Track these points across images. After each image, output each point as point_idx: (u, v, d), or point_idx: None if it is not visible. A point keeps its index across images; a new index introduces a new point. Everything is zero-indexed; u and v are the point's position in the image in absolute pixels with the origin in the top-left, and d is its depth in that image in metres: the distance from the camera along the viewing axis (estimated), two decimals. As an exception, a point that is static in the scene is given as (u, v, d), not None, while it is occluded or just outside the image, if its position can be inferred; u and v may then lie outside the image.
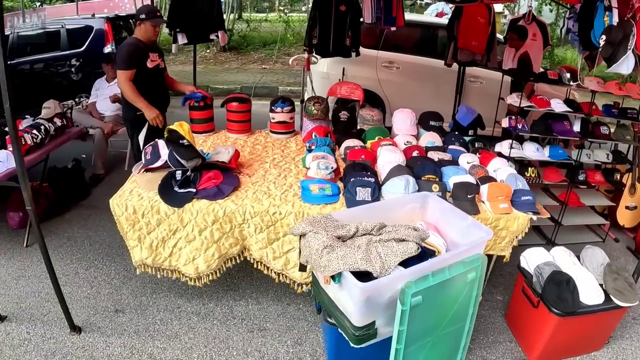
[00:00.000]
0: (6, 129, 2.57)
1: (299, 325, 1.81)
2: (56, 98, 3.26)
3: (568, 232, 2.41)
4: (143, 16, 2.25)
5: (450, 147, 2.15)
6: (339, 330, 1.38)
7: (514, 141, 2.18)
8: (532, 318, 1.64)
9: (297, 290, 1.81)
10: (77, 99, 3.40)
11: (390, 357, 1.33)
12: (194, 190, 1.71)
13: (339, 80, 3.26)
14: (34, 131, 2.48)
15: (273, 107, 2.27)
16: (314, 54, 3.06)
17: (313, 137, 2.21)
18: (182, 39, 3.07)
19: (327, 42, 2.95)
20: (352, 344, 1.33)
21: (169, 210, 1.67)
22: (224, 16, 6.81)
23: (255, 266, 1.78)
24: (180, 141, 1.76)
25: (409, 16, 3.86)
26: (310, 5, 3.19)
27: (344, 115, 2.29)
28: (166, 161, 1.74)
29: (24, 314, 1.91)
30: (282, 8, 11.39)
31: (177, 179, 1.71)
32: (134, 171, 1.82)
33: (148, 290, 2.03)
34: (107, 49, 4.22)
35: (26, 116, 2.80)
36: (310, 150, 2.00)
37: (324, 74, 3.55)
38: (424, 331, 1.35)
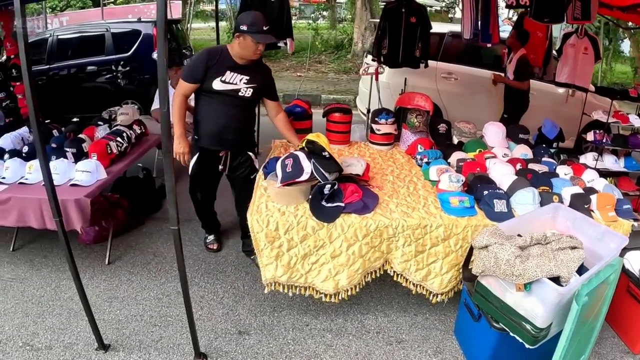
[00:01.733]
0: (81, 135, 2.49)
1: (433, 335, 1.97)
2: (100, 104, 3.21)
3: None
4: (244, 27, 1.88)
5: (543, 159, 2.59)
6: (511, 333, 1.69)
7: (594, 153, 2.69)
8: (638, 315, 1.93)
9: (432, 301, 2.02)
10: (124, 106, 3.32)
11: (556, 353, 1.66)
12: (342, 204, 1.85)
13: (402, 90, 3.53)
14: (118, 139, 2.44)
15: (377, 119, 2.42)
16: (381, 63, 3.32)
17: (419, 149, 2.50)
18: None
19: (397, 52, 3.18)
20: (527, 345, 1.60)
21: (317, 226, 1.75)
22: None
23: (395, 278, 1.92)
24: (322, 153, 1.88)
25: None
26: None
27: (442, 127, 2.56)
28: (311, 174, 1.91)
29: (130, 341, 1.90)
30: (312, 16, 12.45)
31: (325, 193, 1.89)
32: (266, 184, 1.89)
33: (267, 309, 2.08)
34: (156, 54, 4.18)
35: (99, 122, 2.72)
36: (428, 163, 2.23)
37: (385, 84, 3.77)
38: (579, 328, 1.71)
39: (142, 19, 4.79)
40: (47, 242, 2.75)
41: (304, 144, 1.91)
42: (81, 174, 2.20)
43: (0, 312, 2.20)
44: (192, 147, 2.18)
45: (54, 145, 2.61)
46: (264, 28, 1.94)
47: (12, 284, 2.42)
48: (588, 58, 3.29)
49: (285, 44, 3.23)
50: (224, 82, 2.00)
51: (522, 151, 2.49)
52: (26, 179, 2.34)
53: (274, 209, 1.81)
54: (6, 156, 2.58)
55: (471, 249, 1.72)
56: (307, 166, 1.82)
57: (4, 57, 3.74)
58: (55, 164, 2.29)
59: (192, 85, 2.02)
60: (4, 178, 2.40)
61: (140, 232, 2.70)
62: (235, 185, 2.36)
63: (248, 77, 2.05)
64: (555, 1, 2.48)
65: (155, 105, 3.31)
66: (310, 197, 1.78)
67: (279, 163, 1.89)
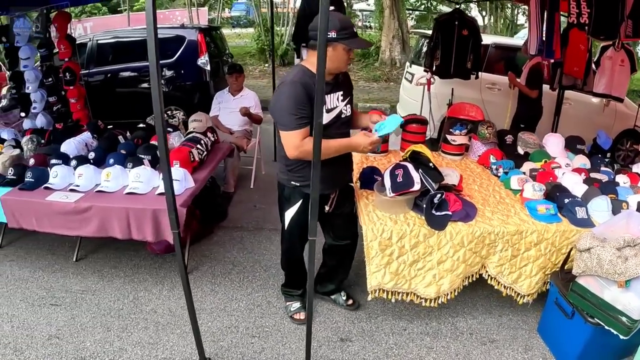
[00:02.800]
0: (154, 142, 2.59)
1: (520, 334, 2.28)
2: (142, 110, 3.35)
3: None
4: (333, 34, 1.61)
5: (602, 168, 3.00)
6: (606, 327, 2.05)
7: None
8: None
9: (519, 302, 2.37)
10: (168, 112, 3.45)
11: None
12: (449, 213, 2.15)
13: (449, 100, 3.88)
14: (198, 146, 2.61)
15: (451, 130, 2.75)
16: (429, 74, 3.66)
17: (492, 159, 2.85)
18: (306, 55, 3.42)
19: (449, 64, 3.56)
20: (621, 336, 2.00)
21: (429, 233, 2.04)
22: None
23: (488, 281, 2.27)
24: (429, 164, 2.22)
25: (509, 40, 4.74)
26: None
27: (509, 138, 2.93)
28: (421, 184, 2.19)
29: (231, 353, 2.08)
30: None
31: (435, 202, 2.18)
32: (378, 193, 2.12)
33: (363, 316, 2.34)
34: (201, 60, 4.37)
35: (169, 129, 2.86)
36: (506, 173, 2.59)
37: (433, 94, 4.09)
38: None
39: (185, 25, 4.99)
40: (112, 252, 2.88)
41: (407, 155, 2.20)
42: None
43: (77, 326, 2.31)
44: (290, 197, 2.00)
45: (122, 151, 2.75)
46: (355, 32, 1.75)
47: (84, 296, 2.54)
48: (624, 70, 3.78)
49: None
50: (328, 110, 1.81)
51: (582, 161, 2.90)
52: (104, 186, 2.47)
53: (384, 218, 2.09)
54: (73, 162, 2.70)
55: (568, 252, 2.08)
56: (416, 176, 2.10)
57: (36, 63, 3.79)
58: (138, 172, 2.44)
59: (304, 130, 1.74)
60: (77, 186, 2.52)
61: (211, 241, 2.88)
62: (335, 224, 2.16)
63: (342, 92, 1.89)
64: (611, 20, 2.91)
65: (214, 112, 3.49)
66: (424, 206, 2.07)
67: (387, 173, 2.16)
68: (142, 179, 2.39)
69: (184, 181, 2.39)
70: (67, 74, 3.57)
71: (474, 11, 11.52)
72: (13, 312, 2.46)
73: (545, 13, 3.13)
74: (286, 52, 9.86)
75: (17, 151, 2.87)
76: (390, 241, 2.05)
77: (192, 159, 2.54)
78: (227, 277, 2.61)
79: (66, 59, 3.60)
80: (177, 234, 1.70)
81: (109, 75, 4.93)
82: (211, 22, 9.51)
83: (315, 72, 1.45)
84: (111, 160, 2.66)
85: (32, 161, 2.79)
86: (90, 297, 2.54)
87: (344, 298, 2.40)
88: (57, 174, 2.57)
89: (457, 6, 3.77)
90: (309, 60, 1.81)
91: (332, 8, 3.47)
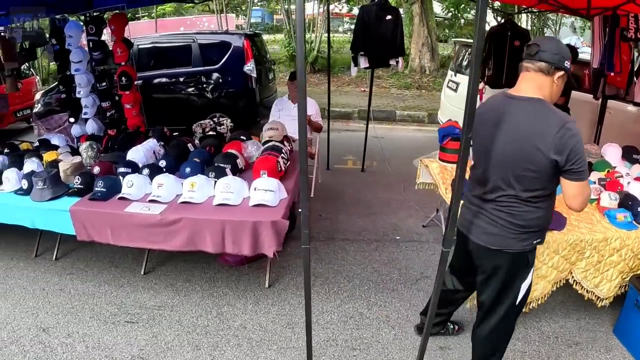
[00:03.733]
0: (232, 151, 2.66)
1: (599, 336, 2.58)
2: (186, 116, 3.46)
3: None
4: (568, 64, 1.63)
5: None
6: None
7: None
8: None
9: (598, 305, 2.69)
10: (214, 119, 3.57)
11: None
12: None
13: None
14: (282, 155, 2.75)
15: None
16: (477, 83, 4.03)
17: None
18: (364, 63, 3.67)
19: (501, 74, 3.92)
20: None
21: None
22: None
23: (573, 286, 2.57)
24: None
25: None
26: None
27: None
28: None
29: None
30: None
31: None
32: None
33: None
34: (248, 67, 4.49)
35: (242, 137, 2.98)
36: None
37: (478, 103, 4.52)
38: None
39: (230, 31, 5.15)
40: (182, 264, 2.98)
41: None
42: (264, 193, 2.50)
43: (161, 345, 2.39)
44: (529, 261, 1.91)
45: (196, 159, 2.87)
46: None
47: (161, 312, 2.65)
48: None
49: (397, 62, 3.78)
50: None
51: (638, 170, 3.29)
52: (189, 197, 2.58)
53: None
54: (145, 171, 2.79)
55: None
56: None
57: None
58: (227, 182, 2.56)
59: None
60: (158, 196, 2.62)
61: (285, 252, 3.04)
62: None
63: None
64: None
65: (274, 119, 3.65)
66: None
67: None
68: (233, 189, 2.52)
69: (278, 192, 2.53)
70: (123, 78, 3.63)
71: (489, 16, 12.16)
72: (84, 330, 2.54)
73: (607, 29, 3.52)
74: (316, 59, 10.12)
75: (78, 158, 2.95)
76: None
77: (280, 169, 2.69)
78: (312, 289, 2.76)
79: (122, 63, 3.66)
80: (307, 249, 1.87)
81: (153, 80, 5.09)
82: (238, 28, 9.71)
83: (550, 101, 1.67)
84: (187, 169, 2.78)
85: (97, 169, 2.87)
86: (168, 313, 2.64)
87: (452, 327, 2.56)
88: (133, 183, 2.67)
89: (509, 17, 4.12)
90: (541, 90, 1.70)
91: (389, 17, 3.76)
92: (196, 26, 7.26)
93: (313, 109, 3.74)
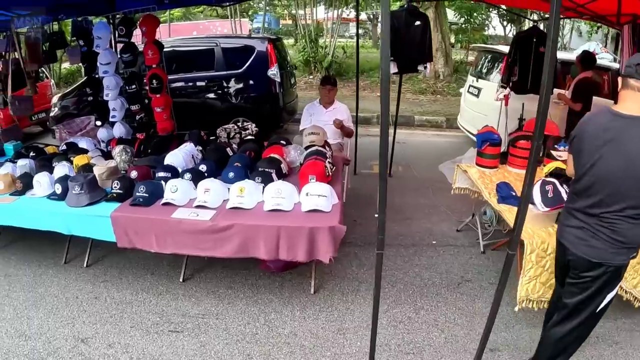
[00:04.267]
0: (274, 155, 2.62)
1: (635, 335, 2.58)
2: (209, 122, 3.39)
3: None
4: None
5: None
6: None
7: None
8: None
9: (635, 305, 2.63)
10: (238, 124, 3.51)
11: None
12: None
13: (521, 115, 4.25)
14: (328, 160, 2.71)
15: (557, 146, 3.07)
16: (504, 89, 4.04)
17: None
18: (393, 68, 3.67)
19: (526, 80, 3.94)
20: None
21: None
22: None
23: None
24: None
25: (565, 55, 5.26)
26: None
27: None
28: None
29: None
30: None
31: None
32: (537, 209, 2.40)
33: (501, 326, 2.55)
34: (272, 71, 4.45)
35: (281, 142, 2.92)
36: None
37: (504, 109, 4.46)
38: None
39: (253, 35, 5.13)
40: (221, 271, 2.91)
41: (549, 170, 2.49)
42: (317, 198, 2.46)
43: (211, 354, 2.31)
44: (621, 272, 1.94)
45: (237, 164, 2.81)
46: None
47: (206, 320, 2.57)
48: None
49: (425, 67, 3.79)
50: None
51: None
52: (239, 203, 2.51)
53: (540, 231, 2.36)
54: (187, 175, 2.72)
55: None
56: (563, 192, 2.39)
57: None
58: (279, 187, 2.51)
59: None
60: (205, 202, 2.55)
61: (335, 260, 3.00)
62: None
63: None
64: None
65: (305, 124, 3.62)
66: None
67: (537, 188, 2.43)
68: (284, 194, 2.48)
69: (330, 197, 2.50)
70: (154, 81, 3.55)
71: (494, 20, 12.26)
72: (126, 340, 2.45)
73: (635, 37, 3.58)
74: (331, 64, 10.17)
75: (112, 162, 2.87)
76: (546, 253, 2.31)
77: (327, 174, 2.66)
78: (358, 295, 2.74)
79: (153, 65, 3.58)
80: (380, 254, 1.86)
81: (175, 84, 5.01)
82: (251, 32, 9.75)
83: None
84: (231, 174, 2.73)
85: (134, 173, 2.79)
86: (214, 321, 2.57)
87: None
88: (177, 188, 2.60)
89: (535, 23, 4.16)
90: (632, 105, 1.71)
91: (418, 23, 3.77)
92: (209, 31, 7.21)
93: (345, 114, 3.73)
